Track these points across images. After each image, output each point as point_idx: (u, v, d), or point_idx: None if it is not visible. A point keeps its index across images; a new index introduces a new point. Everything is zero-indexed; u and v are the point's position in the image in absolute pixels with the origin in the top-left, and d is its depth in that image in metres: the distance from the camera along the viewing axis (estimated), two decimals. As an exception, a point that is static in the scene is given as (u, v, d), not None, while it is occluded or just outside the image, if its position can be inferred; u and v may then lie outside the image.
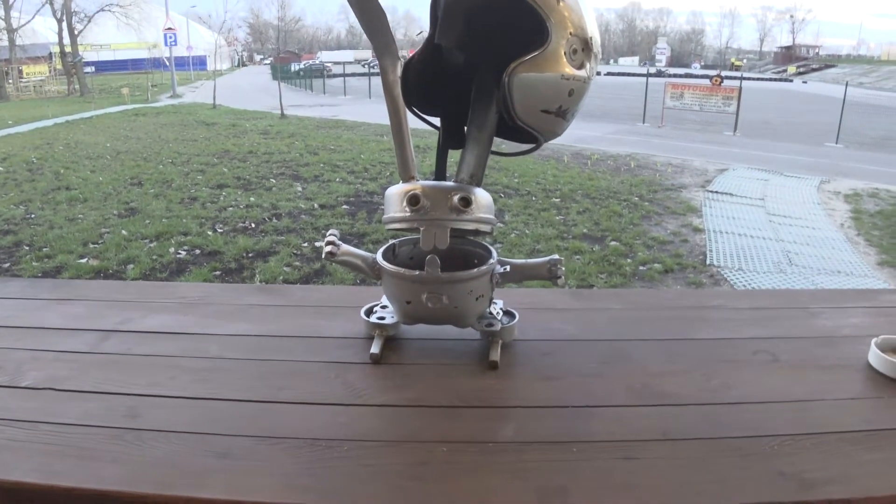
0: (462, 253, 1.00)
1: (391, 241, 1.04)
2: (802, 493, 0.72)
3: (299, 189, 7.46)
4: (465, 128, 0.98)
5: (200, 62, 54.73)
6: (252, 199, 6.89)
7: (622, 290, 3.18)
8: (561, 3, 0.81)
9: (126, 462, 0.74)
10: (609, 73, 60.79)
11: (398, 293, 0.97)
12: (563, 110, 0.86)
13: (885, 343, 1.02)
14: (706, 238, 5.81)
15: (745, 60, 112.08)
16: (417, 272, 0.91)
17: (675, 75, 60.23)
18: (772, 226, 6.52)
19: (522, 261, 1.01)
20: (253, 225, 5.85)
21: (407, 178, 0.96)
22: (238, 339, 1.05)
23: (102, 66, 49.45)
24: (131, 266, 4.66)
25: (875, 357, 1.00)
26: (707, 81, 20.55)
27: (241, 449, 0.76)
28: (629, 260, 5.09)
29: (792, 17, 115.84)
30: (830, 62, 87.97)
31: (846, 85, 17.83)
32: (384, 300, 1.05)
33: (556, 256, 0.99)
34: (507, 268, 0.98)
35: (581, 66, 0.84)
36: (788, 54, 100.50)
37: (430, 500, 0.70)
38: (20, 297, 1.26)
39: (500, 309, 1.04)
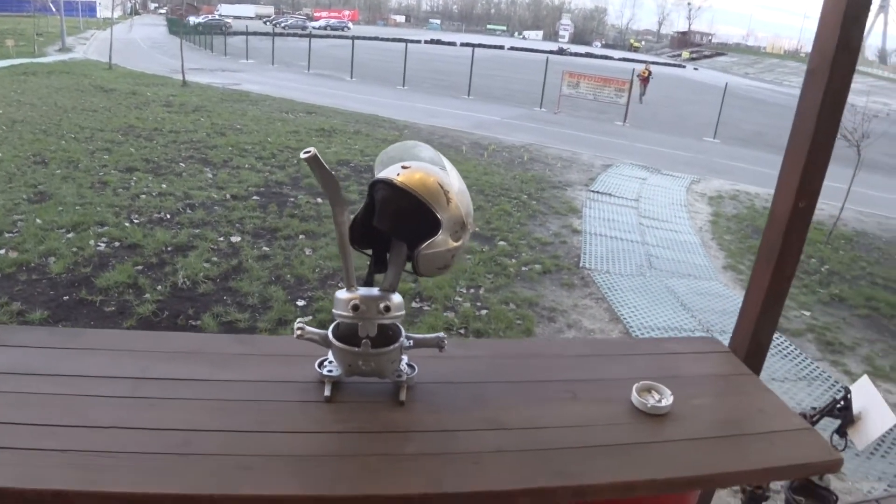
0: (384, 331, 1.57)
1: (336, 321, 1.59)
2: (563, 480, 1.35)
3: (210, 176, 7.71)
4: (388, 257, 1.54)
5: (90, 8, 51.12)
6: (164, 185, 7.10)
7: (491, 341, 3.86)
8: (450, 204, 1.39)
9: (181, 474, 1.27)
10: (512, 48, 61.91)
11: (343, 359, 1.53)
12: (447, 266, 1.45)
13: (642, 386, 1.67)
14: (582, 240, 6.65)
15: (643, 42, 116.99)
16: (357, 349, 1.48)
17: (575, 54, 62.37)
18: (641, 228, 7.47)
19: (420, 336, 1.60)
20: (168, 216, 6.12)
21: (349, 287, 1.51)
22: (233, 385, 1.57)
23: (-22, 8, 45.31)
24: (53, 259, 4.88)
25: (634, 397, 1.65)
26: (600, 62, 21.69)
27: (258, 461, 1.31)
28: (514, 260, 5.82)
29: (689, 3, 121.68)
30: (721, 50, 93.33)
31: (725, 85, 19.41)
32: (330, 356, 1.61)
33: (443, 334, 1.59)
34: (411, 342, 1.57)
35: (459, 239, 1.42)
36: (684, 39, 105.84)
37: (368, 488, 1.28)
38: (52, 345, 1.71)
39: (406, 364, 1.62)
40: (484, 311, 4.76)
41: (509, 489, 1.32)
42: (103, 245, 5.29)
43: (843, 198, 8.29)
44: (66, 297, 4.36)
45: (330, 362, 1.61)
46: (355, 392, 1.58)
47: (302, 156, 1.42)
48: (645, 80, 24.85)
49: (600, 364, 1.88)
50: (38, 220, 5.63)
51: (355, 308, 1.47)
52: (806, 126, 2.06)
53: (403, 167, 1.39)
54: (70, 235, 5.40)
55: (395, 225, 1.41)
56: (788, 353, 4.83)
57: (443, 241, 1.39)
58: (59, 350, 1.69)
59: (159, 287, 4.62)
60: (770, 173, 2.11)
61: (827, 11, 1.85)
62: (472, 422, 1.50)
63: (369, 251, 1.54)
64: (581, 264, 5.97)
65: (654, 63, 32.98)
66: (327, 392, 1.54)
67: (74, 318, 4.09)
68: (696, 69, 65.08)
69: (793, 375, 4.48)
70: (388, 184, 1.37)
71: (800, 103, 2.08)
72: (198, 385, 1.57)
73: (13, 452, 1.27)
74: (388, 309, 1.48)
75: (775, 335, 5.06)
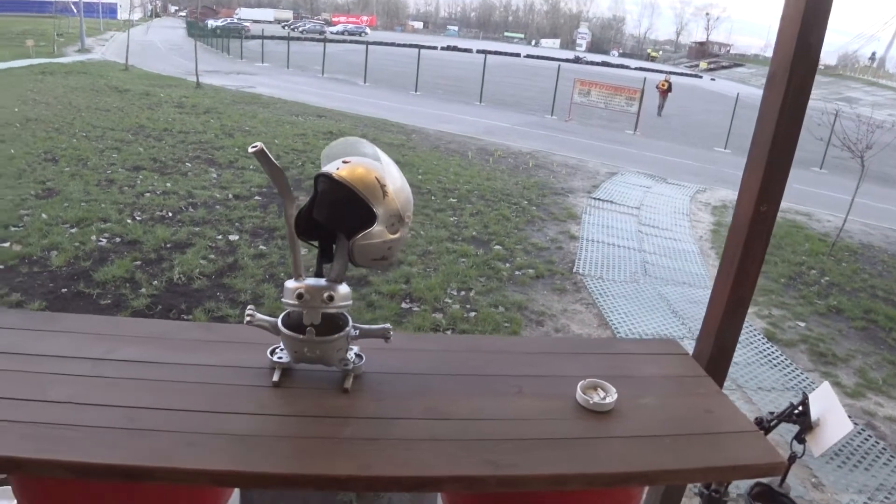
0: (332, 320, 1.63)
1: (286, 311, 1.65)
2: (493, 469, 1.39)
3: (214, 176, 7.83)
4: (334, 249, 1.60)
5: (111, 10, 51.92)
6: (168, 184, 7.22)
7: (441, 336, 3.89)
8: (386, 197, 1.45)
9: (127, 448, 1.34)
10: (528, 56, 62.01)
11: (290, 346, 1.59)
12: (385, 258, 1.51)
13: (587, 384, 1.70)
14: (579, 246, 6.68)
15: (660, 52, 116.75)
16: (302, 336, 1.54)
17: (592, 63, 62.37)
18: (639, 236, 7.49)
19: (367, 326, 1.65)
20: (170, 214, 6.23)
21: (297, 276, 1.58)
22: (188, 368, 1.64)
23: (2, 6, 46.11)
24: (55, 253, 5.00)
25: (578, 394, 1.69)
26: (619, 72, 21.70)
27: (201, 438, 1.37)
28: (507, 265, 5.87)
29: (707, 14, 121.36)
30: (739, 61, 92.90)
31: (737, 95, 19.36)
32: (282, 345, 1.67)
33: (389, 325, 1.65)
34: (357, 331, 1.63)
35: (396, 232, 1.48)
36: (702, 50, 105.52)
37: (298, 468, 1.34)
38: (23, 327, 1.79)
39: (355, 353, 1.68)
40: (472, 314, 4.81)
41: (436, 475, 1.37)
42: (104, 240, 5.40)
43: (849, 210, 8.27)
44: (64, 290, 4.46)
45: (281, 349, 1.67)
46: (304, 379, 1.64)
47: (249, 150, 1.50)
48: (664, 91, 23.86)
49: (550, 361, 1.92)
50: (44, 216, 5.75)
51: (300, 297, 1.53)
52: (766, 131, 2.11)
53: (344, 162, 1.46)
54: (73, 230, 5.52)
55: (331, 216, 1.47)
56: (779, 364, 4.83)
57: (379, 232, 1.45)
58: (29, 332, 1.77)
59: (155, 282, 4.71)
60: None
61: (786, 18, 1.89)
62: (412, 411, 1.56)
63: (315, 242, 1.60)
64: (575, 270, 6.01)
65: (671, 73, 32.29)
66: (275, 377, 1.60)
67: (71, 309, 4.18)
68: (713, 80, 64.86)
69: (780, 385, 4.48)
70: (327, 177, 1.44)
71: (761, 108, 2.13)
72: (155, 367, 1.63)
73: (-27, 424, 1.35)
74: (331, 298, 1.54)
75: (766, 345, 5.08)
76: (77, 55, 25.03)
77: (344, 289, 1.58)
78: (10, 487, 1.57)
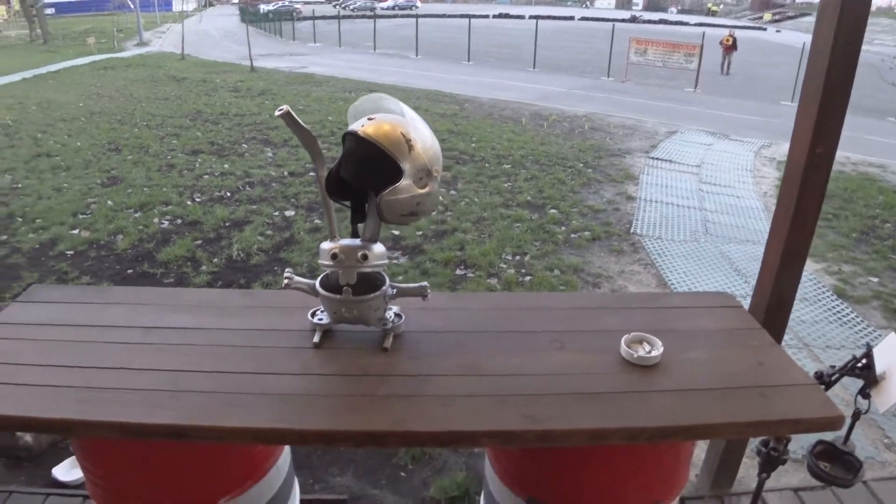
0: (369, 279, 1.63)
1: (324, 272, 1.66)
2: (530, 424, 1.37)
3: (270, 155, 7.98)
4: (366, 208, 1.60)
5: (166, 3, 53.19)
6: (226, 165, 7.41)
7: (483, 294, 3.88)
8: (412, 152, 1.43)
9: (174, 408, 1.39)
10: (584, 18, 60.33)
11: (329, 306, 1.61)
12: (415, 213, 1.49)
13: (632, 338, 1.65)
14: (636, 207, 6.51)
15: (721, 6, 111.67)
16: (339, 296, 1.55)
17: (649, 21, 60.22)
18: (700, 194, 7.24)
19: (404, 285, 1.65)
20: (228, 194, 6.40)
21: (332, 237, 1.58)
22: (233, 333, 1.68)
23: (63, 8, 47.88)
24: (120, 237, 5.22)
25: (623, 348, 1.64)
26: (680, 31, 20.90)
27: (244, 398, 1.41)
28: (563, 228, 5.78)
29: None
30: (807, 10, 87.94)
31: (803, 45, 18.33)
32: (322, 307, 1.69)
33: (426, 283, 1.64)
34: (395, 290, 1.63)
35: (425, 186, 1.46)
36: (765, 0, 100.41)
37: (334, 424, 1.36)
38: (81, 301, 1.88)
39: (394, 312, 1.68)
40: (528, 278, 4.77)
41: (472, 430, 1.36)
42: (167, 223, 5.60)
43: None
44: (129, 271, 4.66)
45: (322, 311, 1.69)
46: (345, 339, 1.66)
47: (276, 113, 1.50)
48: (729, 48, 22.35)
49: (595, 316, 1.88)
50: (109, 202, 6.01)
51: (334, 257, 1.54)
52: (819, 68, 1.99)
53: (369, 119, 1.45)
54: (137, 215, 5.75)
55: (358, 174, 1.46)
56: (849, 321, 4.62)
57: (406, 187, 1.44)
58: (85, 305, 1.85)
59: (215, 260, 4.86)
60: (847, 134, 2.02)
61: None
62: (449, 368, 1.55)
63: (347, 202, 1.60)
64: (632, 230, 5.87)
65: (733, 27, 30.58)
66: (316, 339, 1.62)
67: (137, 289, 4.37)
68: (778, 31, 61.61)
69: (851, 343, 4.29)
70: (353, 135, 1.43)
71: (812, 43, 2.01)
72: (200, 332, 1.68)
73: (31, 388, 1.43)
74: (365, 257, 1.54)
75: (836, 302, 4.85)
76: (136, 49, 25.81)
77: (378, 248, 1.58)
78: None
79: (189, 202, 6.11)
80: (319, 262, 1.59)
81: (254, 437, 1.39)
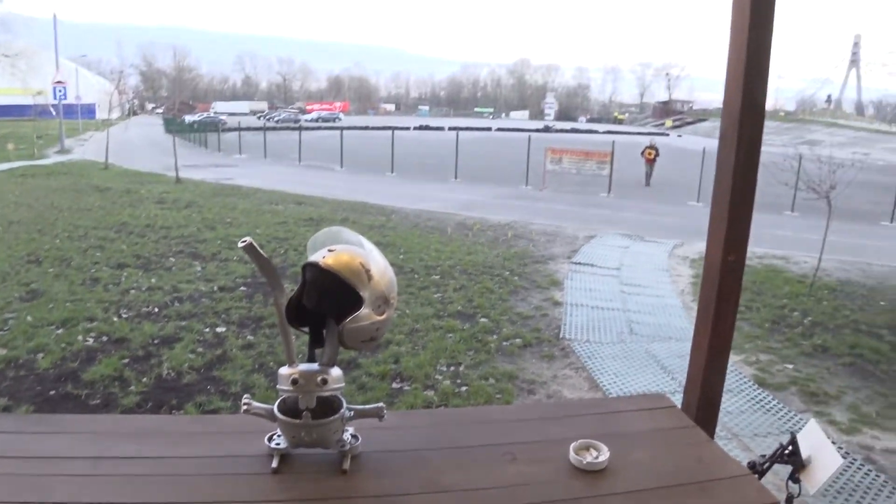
0: (327, 403, 1.68)
1: (281, 397, 1.69)
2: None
3: (198, 269, 7.88)
4: (324, 334, 1.67)
5: (89, 111, 52.54)
6: (153, 280, 7.26)
7: (432, 410, 3.97)
8: (371, 281, 1.53)
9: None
10: (500, 129, 63.76)
11: (287, 431, 1.63)
12: (374, 338, 1.58)
13: (579, 445, 1.74)
14: (563, 311, 6.77)
15: (627, 114, 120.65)
16: (299, 421, 1.59)
17: (561, 130, 64.25)
18: (622, 296, 7.60)
19: (361, 406, 1.70)
20: (156, 309, 6.25)
21: (290, 363, 1.63)
22: (186, 461, 1.67)
23: (-17, 113, 46.81)
24: (41, 355, 4.98)
25: (571, 455, 1.72)
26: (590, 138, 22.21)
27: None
28: (495, 336, 5.92)
29: (668, 74, 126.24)
30: (702, 116, 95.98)
31: (703, 150, 19.92)
32: (278, 430, 1.70)
33: (382, 404, 1.70)
34: (352, 412, 1.68)
35: (383, 313, 1.56)
36: (666, 108, 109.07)
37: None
38: (18, 430, 1.82)
39: (350, 434, 1.72)
40: (464, 388, 4.83)
41: (439, 547, 1.40)
42: (91, 340, 5.39)
43: (822, 250, 8.46)
44: (52, 392, 4.43)
45: (279, 436, 1.71)
46: (303, 463, 1.67)
47: (239, 245, 1.58)
48: (651, 160, 22.34)
49: (542, 426, 1.97)
50: (29, 318, 5.75)
51: (294, 382, 1.58)
52: (724, 187, 2.23)
53: (329, 250, 1.54)
54: (59, 331, 5.52)
55: (321, 302, 1.55)
56: (772, 408, 4.86)
57: (366, 315, 1.53)
58: (28, 434, 1.79)
59: (144, 379, 4.69)
60: (754, 232, 2.24)
61: (730, 75, 2.05)
62: (410, 486, 1.59)
63: (306, 329, 1.66)
64: (561, 335, 6.06)
65: (637, 134, 32.74)
66: (274, 464, 1.63)
67: (59, 412, 4.14)
68: (679, 136, 66.78)
69: (776, 430, 4.50)
70: (314, 266, 1.52)
71: (717, 166, 2.26)
72: (154, 462, 1.66)
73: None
74: (325, 381, 1.59)
75: (758, 391, 5.12)
76: (57, 156, 25.39)
77: (336, 371, 1.64)
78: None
79: (115, 318, 5.92)
80: (278, 387, 1.63)
81: (216, 571, 1.37)
